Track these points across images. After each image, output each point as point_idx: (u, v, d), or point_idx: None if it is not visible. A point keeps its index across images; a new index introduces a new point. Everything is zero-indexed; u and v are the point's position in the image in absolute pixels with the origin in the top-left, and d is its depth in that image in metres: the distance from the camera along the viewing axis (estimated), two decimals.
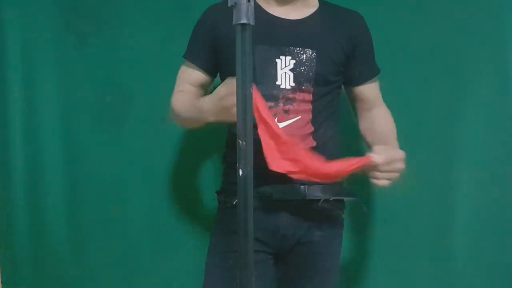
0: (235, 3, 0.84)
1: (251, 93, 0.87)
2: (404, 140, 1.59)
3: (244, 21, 0.84)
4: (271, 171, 1.25)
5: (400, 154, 1.22)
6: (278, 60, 1.26)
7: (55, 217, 1.73)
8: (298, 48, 1.27)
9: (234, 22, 0.85)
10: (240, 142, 0.87)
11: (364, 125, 1.43)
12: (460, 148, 1.59)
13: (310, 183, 1.27)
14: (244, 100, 0.87)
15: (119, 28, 1.69)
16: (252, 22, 0.84)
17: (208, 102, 1.18)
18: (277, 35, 1.27)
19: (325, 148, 1.31)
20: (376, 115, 1.41)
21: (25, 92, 1.71)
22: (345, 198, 1.36)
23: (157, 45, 1.67)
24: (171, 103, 1.36)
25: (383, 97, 1.46)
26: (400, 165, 1.21)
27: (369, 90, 1.40)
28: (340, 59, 1.31)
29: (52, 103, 1.71)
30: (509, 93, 1.57)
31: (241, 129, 0.87)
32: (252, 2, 0.85)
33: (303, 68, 1.27)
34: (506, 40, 1.56)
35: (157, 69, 1.66)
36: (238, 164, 0.87)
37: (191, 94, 1.36)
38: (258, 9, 1.28)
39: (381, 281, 1.65)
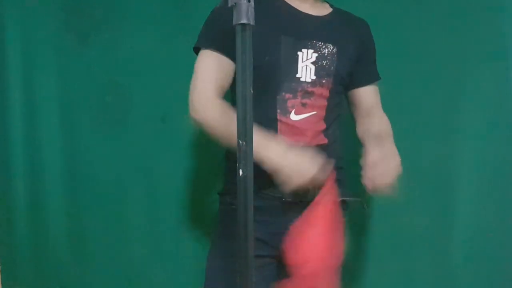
0: (235, 3, 0.84)
1: (251, 93, 0.87)
2: (404, 140, 1.59)
3: (244, 21, 0.84)
4: None
5: (396, 160, 1.23)
6: (299, 53, 1.26)
7: (55, 217, 1.73)
8: (320, 42, 1.28)
9: (234, 22, 0.85)
10: (240, 142, 0.86)
11: (362, 129, 1.41)
12: (460, 148, 1.59)
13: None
14: (244, 100, 0.86)
15: (119, 28, 1.69)
16: (252, 22, 0.84)
17: (274, 159, 1.15)
18: (299, 28, 1.28)
19: (334, 147, 1.32)
20: (373, 118, 1.41)
21: (25, 91, 1.71)
22: (351, 199, 1.36)
23: (157, 45, 1.67)
24: (199, 113, 1.23)
25: (383, 97, 1.46)
26: (393, 168, 1.22)
27: (369, 94, 1.41)
28: (355, 58, 1.34)
29: (52, 103, 1.71)
30: (509, 93, 1.57)
31: (241, 129, 0.87)
32: (252, 2, 0.84)
33: (325, 62, 1.28)
34: (506, 40, 1.56)
35: (157, 69, 1.66)
36: (238, 164, 0.87)
37: (230, 111, 1.20)
38: (280, 1, 1.29)
39: (382, 281, 1.65)
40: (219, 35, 1.25)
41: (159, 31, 1.67)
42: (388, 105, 1.51)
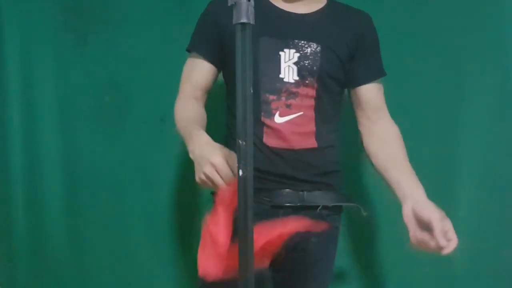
0: (235, 2, 0.83)
1: (251, 93, 0.87)
2: (405, 140, 1.58)
3: (244, 20, 0.83)
4: (269, 176, 1.24)
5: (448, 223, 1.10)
6: (281, 53, 1.24)
7: (54, 217, 1.72)
8: (302, 42, 1.25)
9: (234, 22, 0.84)
10: (240, 142, 0.86)
11: (371, 146, 1.32)
12: (460, 148, 1.59)
13: (309, 189, 1.26)
14: (244, 100, 0.86)
15: (118, 27, 1.68)
16: (252, 22, 0.84)
17: (193, 150, 1.14)
18: (281, 28, 1.26)
19: (326, 151, 1.29)
20: (384, 135, 1.32)
21: (24, 91, 1.70)
22: (345, 204, 1.35)
23: (157, 44, 1.67)
24: (174, 107, 1.32)
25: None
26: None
27: (372, 92, 1.34)
28: (345, 55, 1.29)
29: (51, 103, 1.71)
30: (510, 93, 1.57)
31: (241, 129, 0.86)
32: (252, 1, 0.84)
33: (307, 62, 1.25)
34: (506, 40, 1.56)
35: (157, 69, 1.66)
36: (238, 164, 0.87)
37: (193, 108, 1.29)
38: (263, 1, 1.28)
39: (382, 282, 1.65)
40: (202, 40, 1.31)
41: (159, 31, 1.67)
42: (388, 105, 1.50)
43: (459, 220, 1.58)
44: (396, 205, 1.60)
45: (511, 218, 1.57)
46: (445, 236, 1.09)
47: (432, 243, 1.09)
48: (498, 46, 1.57)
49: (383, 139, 1.31)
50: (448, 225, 1.11)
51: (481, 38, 1.56)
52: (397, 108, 1.56)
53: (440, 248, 1.08)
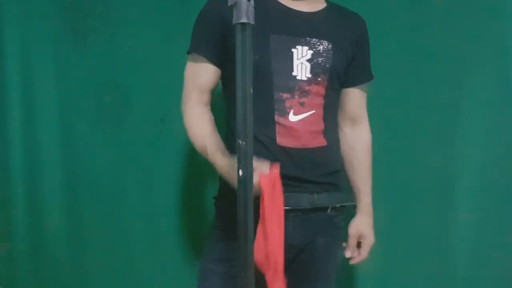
0: (235, 2, 0.83)
1: (251, 93, 0.86)
2: (405, 140, 1.59)
3: (244, 20, 0.83)
4: (282, 179, 1.23)
5: (369, 242, 1.39)
6: (294, 50, 1.23)
7: (54, 217, 1.72)
8: (314, 39, 1.25)
9: (234, 22, 0.84)
10: (240, 142, 0.86)
11: (345, 148, 1.39)
12: (460, 148, 1.58)
13: (319, 191, 1.26)
14: (244, 100, 0.86)
15: (118, 27, 1.68)
16: (252, 22, 0.84)
17: (226, 169, 1.18)
18: (293, 25, 1.26)
19: (334, 149, 1.30)
20: (355, 143, 1.39)
21: (24, 91, 1.70)
22: (349, 204, 1.36)
23: (156, 44, 1.67)
24: (184, 118, 1.29)
25: (384, 97, 1.45)
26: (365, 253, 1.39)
27: (356, 96, 1.38)
28: (350, 55, 1.31)
29: (51, 103, 1.71)
30: (509, 93, 1.57)
31: (241, 129, 0.86)
32: (252, 1, 0.84)
33: (320, 59, 1.25)
34: (506, 40, 1.56)
35: (157, 69, 1.66)
36: (238, 164, 0.87)
37: (206, 120, 1.27)
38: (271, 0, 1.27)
39: (382, 282, 1.65)
40: (204, 40, 1.28)
41: (159, 31, 1.67)
42: (389, 106, 1.50)
43: (459, 220, 1.58)
44: (395, 205, 1.61)
45: (511, 218, 1.57)
46: (357, 251, 1.40)
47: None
48: (498, 46, 1.56)
49: (353, 147, 1.40)
50: (366, 243, 1.39)
51: (481, 38, 1.56)
52: (397, 108, 1.56)
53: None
